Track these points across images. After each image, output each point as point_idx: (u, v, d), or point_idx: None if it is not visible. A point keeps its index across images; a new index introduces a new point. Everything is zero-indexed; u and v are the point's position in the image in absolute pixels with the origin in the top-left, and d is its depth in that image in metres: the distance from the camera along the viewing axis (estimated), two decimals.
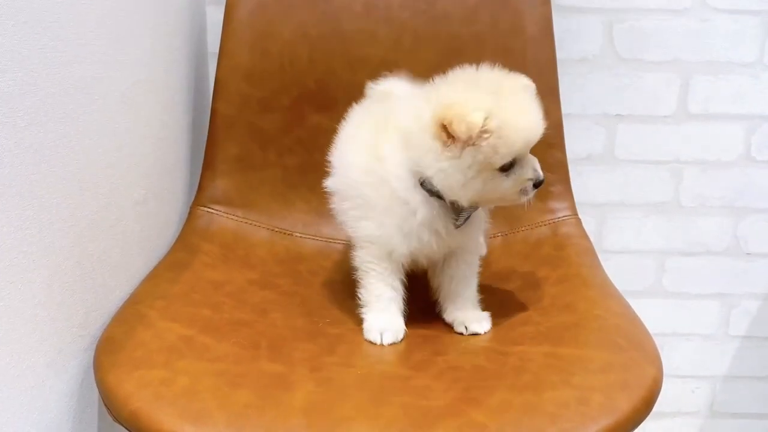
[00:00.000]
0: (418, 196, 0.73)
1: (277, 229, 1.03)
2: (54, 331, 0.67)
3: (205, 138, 1.03)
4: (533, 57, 1.03)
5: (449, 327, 0.79)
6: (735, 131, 1.18)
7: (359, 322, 0.80)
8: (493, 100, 0.68)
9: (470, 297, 0.80)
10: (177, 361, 0.68)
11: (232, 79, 1.03)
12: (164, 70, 0.95)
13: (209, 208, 1.01)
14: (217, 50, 1.04)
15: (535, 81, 1.04)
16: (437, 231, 0.74)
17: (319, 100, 1.05)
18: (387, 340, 0.75)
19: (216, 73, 1.03)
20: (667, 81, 1.16)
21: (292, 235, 1.03)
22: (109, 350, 0.69)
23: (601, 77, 1.16)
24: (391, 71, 0.90)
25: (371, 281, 0.78)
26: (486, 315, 0.80)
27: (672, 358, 1.28)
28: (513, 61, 1.03)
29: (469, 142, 0.67)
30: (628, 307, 0.80)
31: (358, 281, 0.80)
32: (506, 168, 0.69)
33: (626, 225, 1.23)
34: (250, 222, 1.02)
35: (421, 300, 0.85)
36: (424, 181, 0.72)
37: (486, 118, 0.66)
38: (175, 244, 0.94)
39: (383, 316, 0.77)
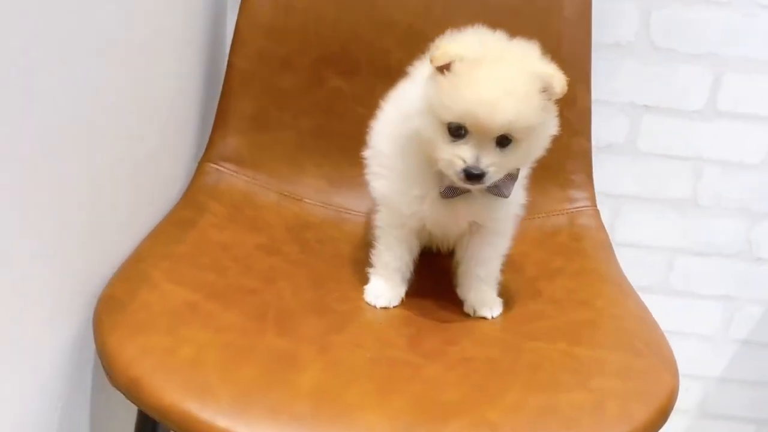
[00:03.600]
0: (410, 145, 0.72)
1: (286, 193, 0.99)
2: (56, 285, 0.63)
3: (219, 93, 0.99)
4: (568, 39, 0.99)
5: (463, 313, 0.77)
6: (762, 133, 1.15)
7: None
8: (479, 53, 0.64)
9: (487, 279, 0.78)
10: (181, 327, 0.65)
11: (252, 33, 0.98)
12: (182, 20, 0.90)
13: (218, 165, 0.98)
14: (238, 2, 0.99)
15: (567, 65, 1.01)
16: (433, 199, 0.73)
17: (341, 63, 1.00)
18: (380, 304, 0.76)
19: (235, 25, 0.98)
20: (699, 75, 1.12)
21: (301, 200, 0.99)
22: (110, 309, 0.67)
23: (631, 65, 1.12)
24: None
25: (381, 248, 0.79)
26: (498, 301, 0.78)
27: None
28: (547, 41, 0.98)
29: (436, 69, 0.65)
30: (646, 309, 0.78)
31: (372, 242, 0.80)
32: (454, 133, 0.65)
33: (640, 218, 1.20)
34: (259, 183, 0.98)
35: (435, 280, 0.83)
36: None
37: (458, 57, 0.63)
38: (181, 200, 0.91)
39: (384, 283, 0.78)
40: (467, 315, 0.76)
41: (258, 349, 0.64)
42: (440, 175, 0.70)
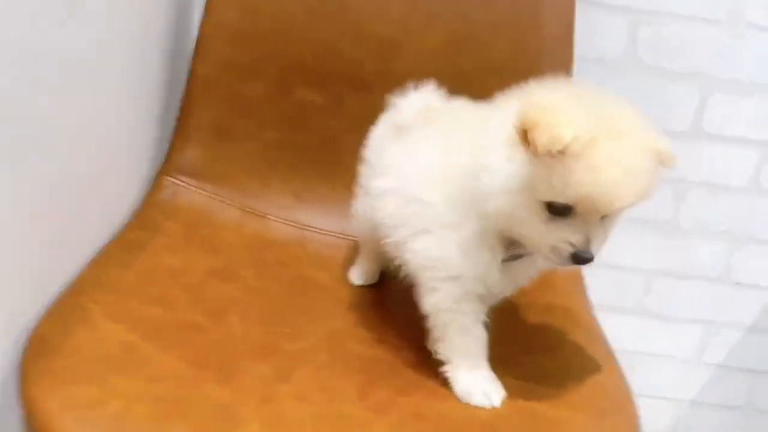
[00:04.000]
0: (472, 207, 0.62)
1: (248, 209, 0.95)
2: None
3: (179, 101, 0.94)
4: (549, 58, 0.94)
5: (419, 353, 0.73)
6: (748, 156, 1.11)
7: (320, 335, 0.74)
8: (592, 126, 0.54)
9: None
10: (113, 376, 0.61)
11: (216, 38, 0.93)
12: (138, 22, 0.84)
13: (176, 179, 0.93)
14: (203, 3, 0.93)
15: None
16: (498, 263, 0.63)
17: (311, 73, 0.95)
18: (496, 402, 0.65)
19: (199, 30, 0.93)
20: (686, 95, 1.08)
21: (264, 217, 0.95)
22: (38, 353, 0.62)
23: (616, 81, 1.07)
24: (415, 81, 0.77)
25: (453, 337, 0.66)
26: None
27: (643, 378, 1.25)
28: (527, 59, 0.95)
29: (540, 154, 0.55)
30: (611, 356, 0.74)
31: (431, 331, 0.68)
32: (556, 211, 0.56)
33: (620, 240, 1.16)
34: (220, 199, 0.94)
35: (394, 313, 0.80)
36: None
37: (574, 138, 0.53)
38: (132, 219, 0.86)
39: (479, 375, 0.66)
40: (424, 355, 0.72)
41: (194, 402, 0.60)
42: (505, 239, 0.62)
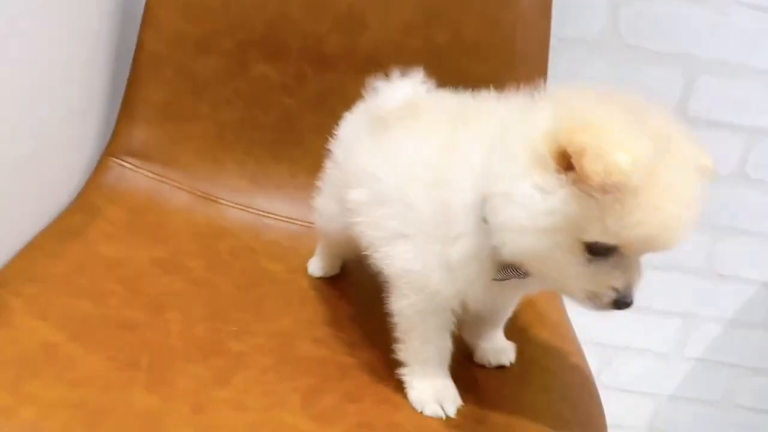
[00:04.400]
0: (468, 222, 0.53)
1: (199, 193, 0.88)
2: None
3: (125, 77, 0.87)
4: (524, 35, 0.88)
5: (375, 353, 0.67)
6: (733, 143, 1.06)
7: (269, 334, 0.68)
8: (649, 149, 0.45)
9: (501, 325, 0.68)
10: (28, 381, 0.55)
11: (166, 10, 0.86)
12: None
13: (122, 160, 0.86)
14: None
15: (522, 63, 0.91)
16: (485, 281, 0.55)
17: (268, 47, 0.89)
18: (450, 411, 0.59)
19: (146, 1, 0.85)
20: (671, 77, 1.02)
21: (217, 201, 0.89)
22: None
23: (597, 63, 1.01)
24: (419, 66, 0.65)
25: (416, 342, 0.61)
26: (511, 345, 0.67)
27: (620, 372, 1.21)
28: (501, 36, 0.89)
29: (589, 187, 0.45)
30: (581, 356, 0.70)
31: (394, 329, 0.62)
32: (597, 251, 0.48)
33: None
34: (168, 181, 0.88)
35: (352, 309, 0.74)
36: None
37: (633, 167, 0.44)
38: (72, 203, 0.80)
39: (435, 383, 0.61)
40: (379, 355, 0.66)
41: (118, 410, 0.54)
42: (501, 260, 0.53)
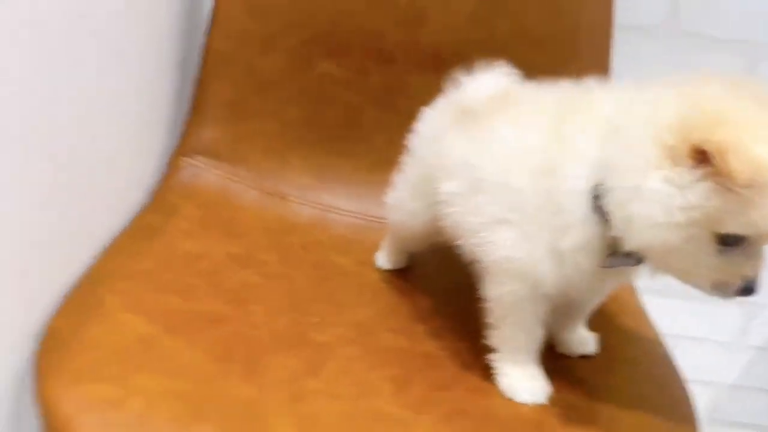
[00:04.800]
0: (580, 210, 0.52)
1: (268, 191, 0.90)
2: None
3: (194, 77, 0.89)
4: (588, 23, 0.88)
5: (460, 342, 0.68)
6: None
7: (349, 325, 0.69)
8: None
9: (583, 317, 0.68)
10: (133, 373, 0.57)
11: (232, 10, 0.88)
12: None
13: (193, 159, 0.88)
14: None
15: (586, 51, 0.91)
16: (590, 268, 0.55)
17: (331, 44, 0.90)
18: (541, 398, 0.60)
19: (213, 2, 0.87)
20: (731, 63, 1.01)
21: (285, 199, 0.90)
22: (53, 347, 0.58)
23: (656, 50, 1.00)
24: (481, 59, 0.65)
25: (508, 330, 0.61)
26: (592, 336, 0.68)
27: (681, 362, 1.20)
28: (564, 26, 0.89)
29: (732, 183, 0.45)
30: (662, 345, 0.70)
31: (486, 316, 0.62)
32: (728, 242, 0.48)
33: None
34: (238, 180, 0.89)
35: (425, 301, 0.75)
36: (599, 195, 0.51)
37: None
38: (150, 203, 0.82)
39: (526, 370, 0.61)
40: (461, 347, 0.67)
41: (219, 399, 0.56)
42: (612, 245, 0.53)
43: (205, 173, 0.88)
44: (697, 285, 0.52)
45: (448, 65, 0.89)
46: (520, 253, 0.56)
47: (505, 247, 0.57)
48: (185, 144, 0.88)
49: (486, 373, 0.63)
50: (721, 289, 0.50)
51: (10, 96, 0.53)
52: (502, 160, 0.58)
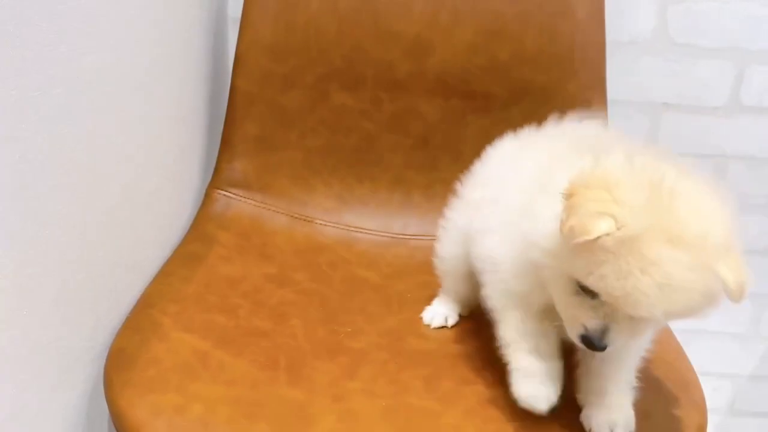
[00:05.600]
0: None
1: (296, 215, 0.97)
2: (60, 350, 0.62)
3: (223, 116, 0.97)
4: (582, 42, 0.95)
5: (483, 341, 0.73)
6: None
7: (380, 333, 0.76)
8: (641, 224, 0.48)
9: (618, 386, 0.62)
10: (191, 383, 0.64)
11: (254, 53, 0.95)
12: (181, 45, 0.87)
13: (226, 191, 0.96)
14: (239, 18, 0.96)
15: (582, 69, 0.98)
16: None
17: (346, 78, 0.98)
18: (540, 407, 0.60)
19: (236, 47, 0.95)
20: (720, 70, 1.07)
21: (312, 222, 0.97)
22: (119, 365, 0.65)
23: (649, 62, 1.07)
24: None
25: (509, 332, 0.64)
26: (631, 416, 0.61)
27: (697, 355, 1.24)
28: (560, 45, 0.96)
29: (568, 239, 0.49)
30: (671, 335, 0.75)
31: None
32: (585, 289, 0.52)
33: None
34: (268, 207, 0.97)
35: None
36: None
37: (608, 235, 0.48)
38: (189, 233, 0.89)
39: (534, 375, 0.62)
40: (481, 349, 0.73)
41: (270, 402, 0.63)
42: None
43: (238, 203, 0.95)
44: (560, 314, 0.56)
45: (453, 90, 0.97)
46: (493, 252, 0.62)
47: (488, 247, 0.64)
48: (218, 177, 0.96)
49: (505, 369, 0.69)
50: (569, 327, 0.55)
51: (75, 144, 0.61)
52: (509, 182, 0.65)
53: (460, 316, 0.79)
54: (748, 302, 1.20)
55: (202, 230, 0.90)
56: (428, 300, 0.83)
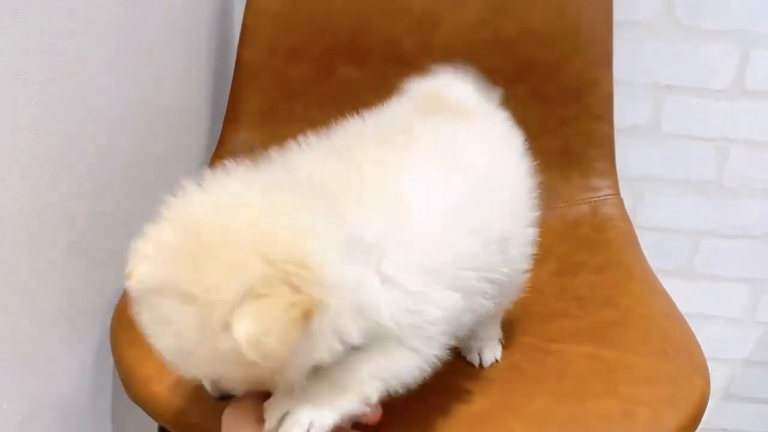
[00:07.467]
0: None
1: None
2: (71, 303, 0.63)
3: (228, 87, 0.97)
4: (589, 19, 0.95)
5: None
6: None
7: None
8: (157, 278, 0.43)
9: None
10: None
11: (261, 24, 0.95)
12: (188, 12, 0.87)
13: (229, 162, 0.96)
14: None
15: (588, 46, 0.98)
16: None
17: (352, 51, 0.97)
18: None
19: (243, 17, 0.95)
20: (725, 52, 1.08)
21: None
22: (126, 323, 0.65)
23: (654, 43, 1.07)
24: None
25: None
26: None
27: None
28: (566, 22, 0.96)
29: None
30: (673, 306, 0.76)
31: None
32: None
33: (663, 202, 1.17)
34: None
35: None
36: None
37: (137, 283, 0.44)
38: None
39: None
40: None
41: None
42: None
43: None
44: None
45: (459, 65, 0.97)
46: None
47: None
48: (222, 147, 0.96)
49: (510, 333, 0.69)
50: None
51: (94, 96, 0.61)
52: None
53: None
54: (744, 287, 1.22)
55: None
56: None
